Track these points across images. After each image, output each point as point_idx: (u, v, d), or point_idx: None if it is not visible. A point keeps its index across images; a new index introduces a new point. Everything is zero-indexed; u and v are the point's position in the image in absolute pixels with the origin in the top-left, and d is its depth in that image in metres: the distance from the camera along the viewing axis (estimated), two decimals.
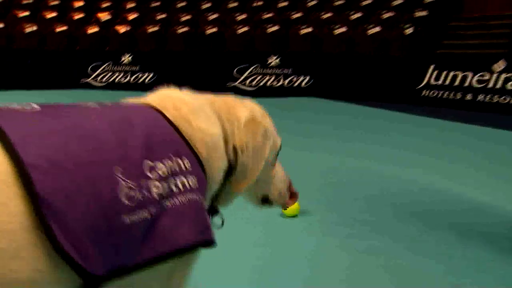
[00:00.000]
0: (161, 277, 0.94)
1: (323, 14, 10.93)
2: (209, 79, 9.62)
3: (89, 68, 10.86)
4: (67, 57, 11.10)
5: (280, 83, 10.12)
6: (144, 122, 0.97)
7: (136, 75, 10.77)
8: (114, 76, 10.84)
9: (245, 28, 10.90)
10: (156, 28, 11.43)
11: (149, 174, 0.90)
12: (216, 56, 10.57)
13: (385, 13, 10.29)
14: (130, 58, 10.76)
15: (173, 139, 0.99)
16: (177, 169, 0.95)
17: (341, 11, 10.88)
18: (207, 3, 12.12)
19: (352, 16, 10.56)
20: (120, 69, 10.81)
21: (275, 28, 10.73)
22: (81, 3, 12.52)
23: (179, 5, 12.22)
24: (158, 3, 12.38)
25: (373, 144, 5.00)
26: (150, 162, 0.91)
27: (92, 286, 0.82)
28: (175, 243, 0.91)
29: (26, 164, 0.75)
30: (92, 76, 10.87)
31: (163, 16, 11.83)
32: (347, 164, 4.09)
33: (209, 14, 11.69)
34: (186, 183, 0.95)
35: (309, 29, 10.54)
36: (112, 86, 10.71)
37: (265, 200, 1.36)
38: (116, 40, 11.46)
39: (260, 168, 1.19)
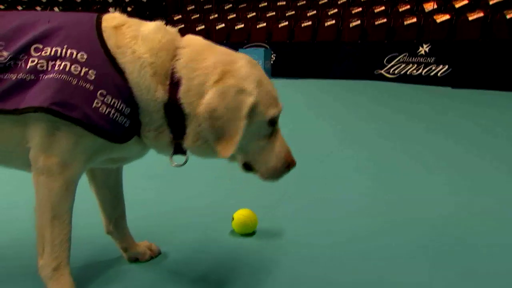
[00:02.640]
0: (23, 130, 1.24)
1: None
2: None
3: (385, 60, 10.81)
4: (363, 48, 11.39)
5: None
6: (65, 22, 1.29)
7: (429, 68, 9.99)
8: (407, 68, 10.37)
9: None
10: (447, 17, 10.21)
11: (32, 52, 1.23)
12: None
13: None
14: (427, 49, 10.08)
15: (83, 38, 1.25)
16: (64, 55, 1.21)
17: None
18: None
19: None
20: (415, 60, 10.22)
21: None
22: None
23: None
24: None
25: None
26: (39, 45, 1.23)
27: None
28: (29, 102, 1.18)
29: None
30: (386, 68, 10.80)
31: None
32: None
33: None
34: (68, 67, 1.20)
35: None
36: (404, 78, 10.35)
37: (248, 167, 1.40)
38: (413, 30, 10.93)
39: (240, 129, 1.23)
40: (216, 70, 1.26)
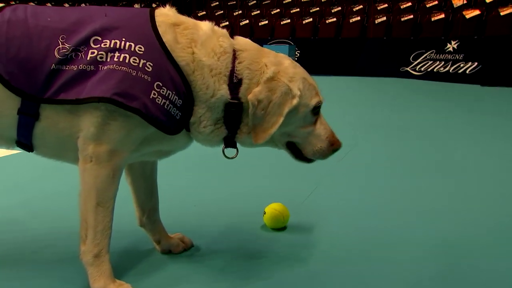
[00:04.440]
0: (83, 117, 1.27)
1: None
2: None
3: (411, 57, 10.61)
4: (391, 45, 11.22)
5: None
6: (121, 16, 1.34)
7: (457, 65, 9.78)
8: (434, 65, 10.18)
9: None
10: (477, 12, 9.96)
11: (91, 44, 1.27)
12: None
13: None
14: (455, 45, 9.86)
15: (139, 32, 1.30)
16: (123, 47, 1.26)
17: None
18: None
19: None
20: (442, 57, 10.05)
21: None
22: None
23: None
24: None
25: None
26: (98, 37, 1.28)
27: (27, 103, 1.27)
28: (90, 92, 1.23)
29: None
30: (412, 65, 10.61)
31: None
32: None
33: None
34: (127, 59, 1.25)
35: None
36: (430, 76, 10.14)
37: (294, 151, 1.51)
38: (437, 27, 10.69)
39: (277, 124, 1.37)
40: (269, 69, 1.38)
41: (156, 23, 1.33)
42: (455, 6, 11.19)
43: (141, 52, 1.26)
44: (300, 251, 1.76)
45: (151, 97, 1.25)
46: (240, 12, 14.95)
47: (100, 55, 1.25)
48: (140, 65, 1.25)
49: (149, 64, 1.26)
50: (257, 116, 1.36)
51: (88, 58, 1.25)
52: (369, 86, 9.01)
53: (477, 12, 10.19)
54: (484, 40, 9.54)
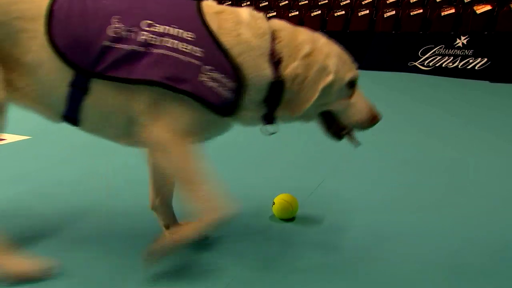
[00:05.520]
0: (136, 97, 1.35)
1: None
2: None
3: (419, 51, 10.53)
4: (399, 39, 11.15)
5: None
6: (172, 5, 1.42)
7: (466, 60, 9.70)
8: (443, 61, 10.11)
9: None
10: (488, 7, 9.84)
11: (143, 27, 1.35)
12: None
13: None
14: (465, 41, 9.77)
15: (188, 20, 1.39)
16: (174, 34, 1.34)
17: None
18: None
19: None
20: (451, 52, 9.96)
21: None
22: None
23: None
24: None
25: None
26: (149, 21, 1.36)
27: (79, 76, 1.33)
28: (142, 74, 1.31)
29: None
30: (421, 60, 10.52)
31: None
32: None
33: None
34: (177, 44, 1.33)
35: None
36: (439, 71, 10.07)
37: (328, 125, 1.59)
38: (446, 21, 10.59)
39: (312, 99, 1.44)
40: (306, 46, 1.46)
41: (204, 13, 1.40)
42: (465, 1, 11.05)
43: (191, 39, 1.35)
44: (307, 241, 1.77)
45: (201, 80, 1.33)
46: (249, 3, 14.89)
47: (151, 39, 1.33)
48: (190, 51, 1.34)
49: (199, 50, 1.35)
50: (293, 90, 1.45)
51: (139, 40, 1.33)
52: (377, 80, 8.96)
53: (488, 7, 10.07)
54: (495, 35, 9.45)
